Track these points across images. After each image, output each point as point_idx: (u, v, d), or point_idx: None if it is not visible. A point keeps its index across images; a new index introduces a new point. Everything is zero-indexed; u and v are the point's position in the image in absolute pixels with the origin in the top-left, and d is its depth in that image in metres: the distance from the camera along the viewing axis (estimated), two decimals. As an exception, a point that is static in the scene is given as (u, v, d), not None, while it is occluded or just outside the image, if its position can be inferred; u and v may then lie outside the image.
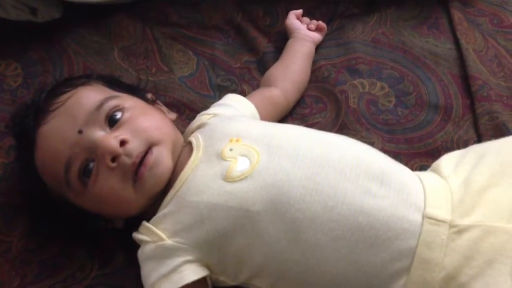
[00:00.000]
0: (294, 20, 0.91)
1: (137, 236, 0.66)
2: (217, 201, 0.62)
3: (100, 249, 0.71)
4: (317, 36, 0.91)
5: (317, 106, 0.85)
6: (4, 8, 0.93)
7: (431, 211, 0.60)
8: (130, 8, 0.96)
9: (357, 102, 0.84)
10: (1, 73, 0.90)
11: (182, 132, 0.75)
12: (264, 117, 0.79)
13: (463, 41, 0.89)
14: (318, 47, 0.91)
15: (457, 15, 0.92)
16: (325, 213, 0.60)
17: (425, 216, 0.59)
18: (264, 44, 0.92)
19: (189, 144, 0.70)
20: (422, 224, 0.59)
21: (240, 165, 0.64)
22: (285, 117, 0.84)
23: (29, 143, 0.68)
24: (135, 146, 0.65)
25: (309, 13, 0.93)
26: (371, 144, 0.77)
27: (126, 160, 0.64)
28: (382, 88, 0.86)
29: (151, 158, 0.65)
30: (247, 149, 0.66)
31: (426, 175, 0.66)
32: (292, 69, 0.86)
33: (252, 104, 0.79)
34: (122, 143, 0.64)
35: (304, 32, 0.90)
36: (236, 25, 0.95)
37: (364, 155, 0.66)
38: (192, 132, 0.73)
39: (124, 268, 0.69)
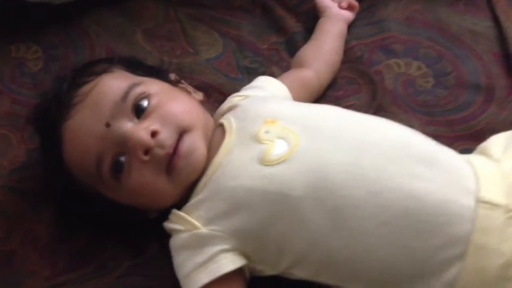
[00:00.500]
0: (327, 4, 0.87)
1: (169, 225, 0.63)
2: (254, 186, 0.59)
3: (132, 239, 0.68)
4: (349, 15, 0.87)
5: (350, 87, 0.81)
6: (20, -11, 0.90)
7: (485, 195, 0.56)
8: (151, -12, 0.93)
9: (393, 83, 0.80)
10: (22, 56, 0.87)
11: (212, 115, 0.72)
12: (296, 99, 0.75)
13: (502, 18, 0.84)
14: (349, 26, 0.87)
15: (494, -9, 0.88)
16: (370, 198, 0.57)
17: (479, 200, 0.56)
18: (292, 24, 0.88)
19: (220, 126, 0.67)
20: (476, 209, 0.55)
21: (277, 148, 0.61)
22: (318, 100, 0.80)
23: (54, 138, 0.65)
24: (167, 136, 0.62)
25: (338, -9, 0.89)
26: (411, 127, 0.73)
27: (159, 152, 0.61)
28: (419, 68, 0.82)
29: (184, 147, 0.62)
30: (284, 131, 0.62)
31: (475, 158, 0.63)
32: (324, 49, 0.82)
33: (284, 86, 0.75)
34: (154, 134, 0.61)
35: (336, 11, 0.86)
36: (262, 4, 0.91)
37: (408, 136, 0.63)
38: (223, 115, 0.69)
39: (158, 258, 0.66)
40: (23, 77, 0.85)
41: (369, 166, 0.58)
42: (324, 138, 0.61)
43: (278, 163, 0.60)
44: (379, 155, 0.59)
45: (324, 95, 0.81)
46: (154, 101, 0.63)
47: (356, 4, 0.87)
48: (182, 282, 0.61)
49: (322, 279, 0.61)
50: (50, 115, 0.65)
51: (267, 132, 0.63)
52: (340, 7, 0.87)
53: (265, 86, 0.75)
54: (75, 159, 0.64)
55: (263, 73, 0.83)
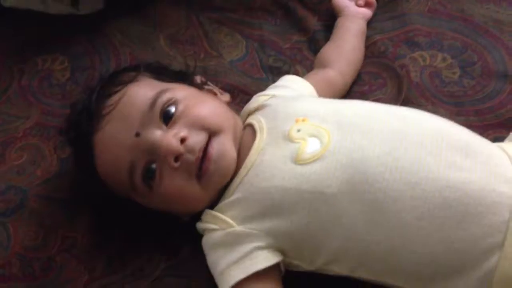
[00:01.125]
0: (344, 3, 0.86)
1: (202, 225, 0.64)
2: (289, 185, 0.59)
3: (166, 242, 0.69)
4: (367, 12, 0.87)
5: (376, 82, 0.81)
6: (44, 2, 0.92)
7: None
8: (172, -6, 0.94)
9: (419, 75, 0.80)
10: (49, 68, 0.89)
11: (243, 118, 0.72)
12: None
13: (527, 5, 0.84)
14: (371, 21, 0.87)
15: (517, -22, 0.87)
16: (407, 190, 0.57)
17: None
18: (313, 22, 0.88)
19: (250, 126, 0.67)
20: None
21: (310, 146, 0.61)
22: (343, 97, 0.80)
23: (86, 149, 0.66)
24: (195, 141, 0.62)
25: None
26: (439, 117, 0.73)
27: (190, 157, 0.62)
28: (444, 59, 0.81)
29: (213, 151, 0.62)
30: (316, 129, 0.62)
31: (508, 146, 0.62)
32: (346, 48, 0.82)
33: (310, 84, 0.75)
34: (182, 140, 0.61)
35: (353, 9, 0.86)
36: (283, 4, 0.91)
37: (443, 126, 0.63)
38: (249, 114, 0.70)
39: (192, 258, 0.67)
40: (51, 88, 0.86)
41: (405, 157, 0.58)
42: (357, 133, 0.61)
43: (312, 161, 0.60)
44: (415, 146, 0.59)
45: (349, 91, 0.81)
46: (181, 106, 0.64)
47: (373, 1, 0.87)
48: (218, 279, 0.61)
49: (359, 274, 0.61)
50: (81, 127, 0.66)
51: (298, 130, 0.63)
52: (357, 5, 0.86)
53: (290, 85, 0.75)
54: (108, 169, 0.65)
55: (287, 71, 0.83)
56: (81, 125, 0.66)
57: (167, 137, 0.61)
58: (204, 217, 0.64)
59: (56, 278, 0.67)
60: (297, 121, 0.64)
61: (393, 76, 0.81)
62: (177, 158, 0.61)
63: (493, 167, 0.57)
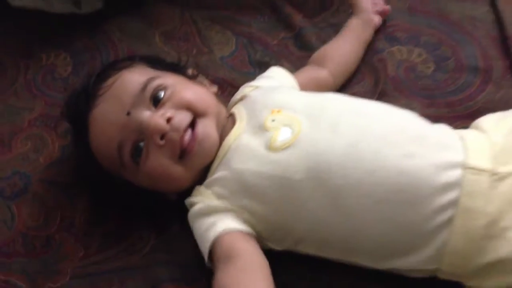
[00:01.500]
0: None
1: (189, 199, 0.69)
2: (261, 170, 0.65)
3: (156, 220, 0.75)
4: (378, 22, 0.89)
5: (355, 76, 0.86)
6: (49, 2, 0.98)
7: (472, 161, 0.61)
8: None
9: (395, 69, 0.85)
10: (52, 63, 0.95)
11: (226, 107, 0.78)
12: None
13: (500, 2, 0.88)
14: (355, 17, 0.92)
15: (493, -23, 0.91)
16: (367, 177, 0.62)
17: (466, 167, 0.61)
18: (299, 19, 0.94)
19: (232, 115, 0.73)
20: (463, 176, 0.60)
21: (282, 135, 0.66)
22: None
23: (82, 127, 0.72)
24: (180, 119, 0.68)
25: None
26: (412, 109, 0.77)
27: (174, 136, 0.67)
28: (420, 54, 0.86)
29: (199, 132, 0.68)
30: (289, 119, 0.68)
31: (468, 132, 0.67)
32: (348, 54, 0.86)
33: (294, 79, 0.80)
34: (168, 120, 0.67)
35: (370, 17, 0.88)
36: (271, 3, 0.97)
37: (404, 119, 0.68)
38: (235, 104, 0.75)
39: (179, 235, 0.72)
40: (54, 81, 0.93)
41: (366, 148, 0.63)
42: (326, 124, 0.66)
43: (283, 149, 0.65)
44: (376, 139, 0.64)
45: (330, 84, 0.86)
46: (169, 91, 0.70)
47: (387, 8, 0.90)
48: (198, 243, 0.67)
49: (325, 253, 0.67)
50: (78, 105, 0.72)
51: (273, 120, 0.68)
52: (374, 11, 0.89)
53: (274, 76, 0.80)
54: (100, 145, 0.70)
55: (274, 66, 0.88)
56: (78, 103, 0.72)
57: (154, 117, 0.67)
58: (193, 192, 0.70)
59: (55, 254, 0.74)
60: (272, 112, 0.69)
61: (371, 70, 0.86)
62: (162, 136, 0.67)
63: (444, 152, 0.62)
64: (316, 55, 0.86)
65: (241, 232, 0.65)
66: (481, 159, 0.61)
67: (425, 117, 0.71)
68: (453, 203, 0.60)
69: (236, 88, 0.84)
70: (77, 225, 0.76)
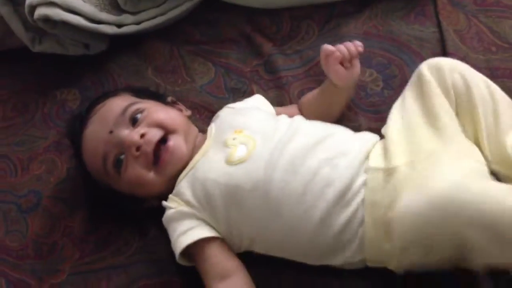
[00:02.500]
0: (337, 67, 0.85)
1: (164, 203, 0.82)
2: (220, 180, 0.78)
3: (138, 227, 0.90)
4: (357, 75, 0.88)
5: (313, 96, 0.98)
6: (64, 46, 1.16)
7: (371, 164, 0.74)
8: (160, 32, 1.14)
9: (347, 89, 0.96)
10: (64, 98, 1.12)
11: (203, 128, 0.91)
12: None
13: (444, 24, 0.98)
14: (317, 43, 1.03)
15: (441, 0, 1.01)
16: (300, 189, 0.74)
17: (368, 170, 0.73)
18: (269, 48, 1.06)
19: (205, 134, 0.87)
20: (367, 176, 0.73)
21: (239, 151, 0.79)
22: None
23: (78, 144, 0.88)
24: (152, 135, 0.82)
25: (307, 17, 1.07)
26: (358, 126, 0.89)
27: (147, 148, 0.81)
28: (371, 74, 0.97)
29: (170, 144, 0.82)
30: (247, 139, 0.81)
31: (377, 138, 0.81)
32: (328, 112, 0.91)
33: (271, 106, 0.93)
34: (142, 135, 0.81)
35: (350, 84, 0.89)
36: (247, 35, 1.10)
37: (335, 138, 0.80)
38: (212, 123, 0.89)
39: (157, 238, 0.87)
40: (65, 114, 1.09)
41: (302, 164, 0.75)
42: (274, 144, 0.79)
43: (238, 163, 0.78)
44: (310, 156, 0.76)
45: (292, 103, 0.98)
46: (145, 113, 0.85)
47: (359, 52, 0.86)
48: (172, 245, 0.80)
49: (272, 253, 0.79)
50: (75, 127, 0.89)
51: (234, 139, 0.82)
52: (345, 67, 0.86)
53: (252, 100, 0.94)
54: (89, 158, 0.86)
55: (245, 91, 1.02)
56: (75, 125, 0.89)
57: (131, 133, 0.82)
58: (168, 199, 0.83)
59: (57, 256, 0.90)
60: (235, 131, 0.83)
61: (326, 91, 0.97)
62: (137, 148, 0.81)
63: (358, 159, 0.75)
64: (303, 103, 0.94)
65: (212, 238, 0.78)
66: (377, 161, 0.73)
67: (371, 131, 0.83)
68: (363, 200, 0.72)
69: (211, 111, 0.99)
70: (76, 233, 0.92)
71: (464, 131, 0.76)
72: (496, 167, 0.74)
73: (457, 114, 0.77)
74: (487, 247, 0.63)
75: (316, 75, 1.00)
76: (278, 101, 0.99)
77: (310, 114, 0.90)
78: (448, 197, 0.63)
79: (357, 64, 0.87)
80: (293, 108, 0.96)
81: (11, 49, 1.19)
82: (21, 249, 0.92)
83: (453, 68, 0.78)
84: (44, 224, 0.94)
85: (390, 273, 0.74)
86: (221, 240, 0.79)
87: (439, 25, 0.99)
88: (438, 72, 0.78)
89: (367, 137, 0.81)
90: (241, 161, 0.78)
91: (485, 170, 0.72)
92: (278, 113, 0.92)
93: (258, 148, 0.79)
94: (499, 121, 0.74)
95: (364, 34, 1.03)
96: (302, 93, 0.99)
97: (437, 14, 1.00)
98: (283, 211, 0.74)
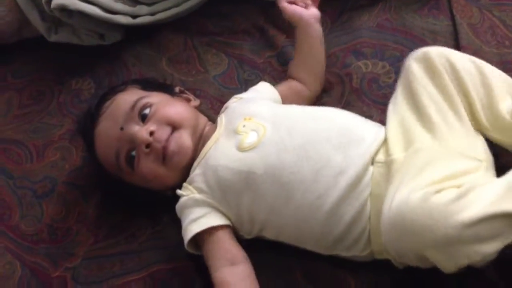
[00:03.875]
0: (291, 7, 0.93)
1: (178, 191, 0.84)
2: (231, 166, 0.79)
3: (152, 214, 0.91)
4: (316, 13, 0.94)
5: (325, 87, 0.99)
6: (79, 37, 1.18)
7: (375, 157, 0.75)
8: (174, 24, 1.16)
9: (360, 82, 0.97)
10: (79, 88, 1.13)
11: (214, 119, 0.92)
12: (289, 104, 0.93)
13: (458, 17, 0.98)
14: (330, 36, 1.04)
15: (455, -7, 1.01)
16: (311, 175, 0.75)
17: (373, 163, 0.74)
18: (282, 39, 1.07)
19: (215, 123, 0.88)
20: (372, 169, 0.74)
21: (250, 138, 0.81)
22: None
23: (90, 141, 0.90)
24: (162, 133, 0.84)
25: (320, 9, 1.05)
26: (370, 117, 0.89)
27: (157, 145, 0.83)
28: (383, 67, 0.98)
29: (173, 141, 0.84)
30: (257, 125, 0.82)
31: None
32: (310, 62, 0.96)
33: (276, 91, 0.94)
34: (151, 133, 0.83)
35: (308, 19, 0.93)
36: (260, 27, 1.11)
37: (347, 124, 0.81)
38: (221, 113, 0.90)
39: (170, 225, 0.88)
40: (80, 103, 1.11)
41: (313, 149, 0.76)
42: (285, 130, 0.80)
43: (250, 150, 0.79)
44: (322, 141, 0.77)
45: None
46: (154, 108, 0.86)
47: None
48: (183, 234, 0.81)
49: (282, 239, 0.80)
50: (86, 124, 0.90)
51: (244, 126, 0.83)
52: (307, 12, 0.93)
53: (260, 89, 0.95)
54: (103, 155, 0.88)
55: (257, 82, 1.02)
56: (86, 123, 0.90)
57: (141, 131, 0.84)
58: (182, 187, 0.84)
59: (72, 241, 0.92)
60: (245, 119, 0.84)
61: (339, 82, 0.98)
62: (148, 145, 0.83)
63: (370, 154, 0.75)
64: (289, 71, 0.99)
65: (222, 226, 0.79)
66: (380, 153, 0.74)
67: (382, 123, 0.83)
68: (370, 193, 0.73)
69: (223, 103, 0.99)
70: (90, 218, 0.93)
71: (460, 115, 0.76)
72: (496, 136, 0.75)
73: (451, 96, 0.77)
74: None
75: (327, 67, 1.00)
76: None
77: (302, 73, 0.94)
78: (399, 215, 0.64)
79: (312, 8, 0.94)
80: (289, 82, 0.97)
81: (28, 38, 1.21)
82: (36, 234, 0.94)
83: (439, 53, 0.78)
84: (59, 209, 0.96)
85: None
86: (231, 229, 0.80)
87: (452, 18, 0.99)
88: (427, 61, 0.78)
89: (378, 129, 0.81)
90: (252, 147, 0.79)
91: (480, 165, 0.71)
92: (281, 94, 0.93)
93: (269, 134, 0.80)
94: (491, 91, 0.75)
95: (377, 27, 1.03)
96: (314, 84, 1.00)
97: (451, 8, 1.00)
98: (294, 196, 0.75)
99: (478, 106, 0.75)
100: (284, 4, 0.94)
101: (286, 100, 0.94)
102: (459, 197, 0.62)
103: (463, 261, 0.62)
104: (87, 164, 1.01)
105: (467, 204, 0.61)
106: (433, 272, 0.68)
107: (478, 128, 0.76)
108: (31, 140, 1.07)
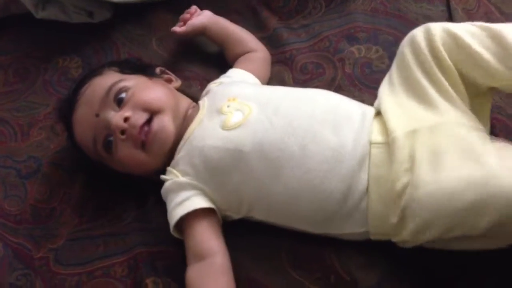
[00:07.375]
0: (183, 29, 1.01)
1: (162, 176, 0.83)
2: (217, 144, 0.78)
3: (137, 196, 0.89)
4: (200, 13, 1.04)
5: (317, 71, 0.97)
6: (67, 14, 1.15)
7: (372, 138, 0.74)
8: (166, 3, 1.13)
9: (352, 67, 0.95)
10: (66, 66, 1.11)
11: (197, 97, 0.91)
12: (264, 75, 0.94)
13: (453, 3, 0.97)
14: (324, 19, 1.02)
15: (451, -21, 0.99)
16: (299, 150, 0.74)
17: (370, 143, 0.73)
18: (274, 22, 1.05)
19: (197, 106, 0.87)
20: (370, 150, 0.73)
21: (235, 117, 0.80)
22: (288, 83, 0.97)
23: (68, 127, 0.88)
24: (137, 119, 0.81)
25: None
26: (362, 101, 0.88)
27: (133, 131, 0.81)
28: (376, 51, 0.96)
29: (154, 126, 0.81)
30: (241, 105, 0.81)
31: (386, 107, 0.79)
32: (234, 39, 1.00)
33: (250, 73, 0.93)
34: (126, 119, 0.81)
35: (198, 24, 1.01)
36: (253, 8, 1.09)
37: (333, 102, 0.80)
38: (203, 97, 0.89)
39: (155, 208, 0.87)
40: (67, 82, 1.08)
41: (300, 126, 0.76)
42: (271, 108, 0.79)
43: (235, 128, 0.78)
44: (308, 118, 0.76)
45: (294, 78, 0.98)
46: (130, 93, 0.84)
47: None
48: (168, 217, 0.80)
49: (272, 220, 0.79)
50: (64, 111, 0.89)
51: (228, 106, 0.82)
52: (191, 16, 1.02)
53: (233, 75, 0.94)
54: (81, 142, 0.87)
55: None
56: (64, 109, 0.88)
57: (115, 117, 0.82)
58: (166, 172, 0.83)
59: (55, 221, 0.90)
60: (229, 99, 0.82)
61: (331, 67, 0.97)
62: (123, 132, 0.81)
63: (364, 133, 0.75)
64: (230, 60, 1.00)
65: (205, 210, 0.78)
66: (377, 134, 0.73)
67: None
68: (367, 173, 0.72)
69: (209, 81, 0.98)
70: (74, 199, 0.91)
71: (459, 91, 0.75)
72: None
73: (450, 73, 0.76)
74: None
75: (320, 50, 1.00)
76: (280, 76, 0.98)
77: (239, 50, 0.99)
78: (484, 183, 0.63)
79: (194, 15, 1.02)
80: (241, 59, 0.98)
81: (15, 14, 1.17)
82: (19, 214, 0.92)
83: (439, 27, 0.77)
84: (43, 190, 0.94)
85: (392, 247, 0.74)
86: (215, 214, 0.79)
87: (447, 4, 0.98)
88: (428, 38, 0.77)
89: (366, 108, 0.80)
90: (237, 126, 0.78)
91: (485, 135, 0.72)
92: (252, 72, 0.94)
93: (255, 113, 0.79)
94: (504, 42, 0.73)
95: (371, 11, 1.02)
96: (304, 67, 0.98)
97: (446, -7, 0.99)
98: (283, 173, 0.74)
99: (492, 61, 0.72)
100: (178, 30, 1.02)
101: (259, 76, 0.94)
102: None
103: None
104: (70, 144, 0.98)
105: None
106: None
107: (497, 84, 0.75)
108: (16, 118, 1.04)
